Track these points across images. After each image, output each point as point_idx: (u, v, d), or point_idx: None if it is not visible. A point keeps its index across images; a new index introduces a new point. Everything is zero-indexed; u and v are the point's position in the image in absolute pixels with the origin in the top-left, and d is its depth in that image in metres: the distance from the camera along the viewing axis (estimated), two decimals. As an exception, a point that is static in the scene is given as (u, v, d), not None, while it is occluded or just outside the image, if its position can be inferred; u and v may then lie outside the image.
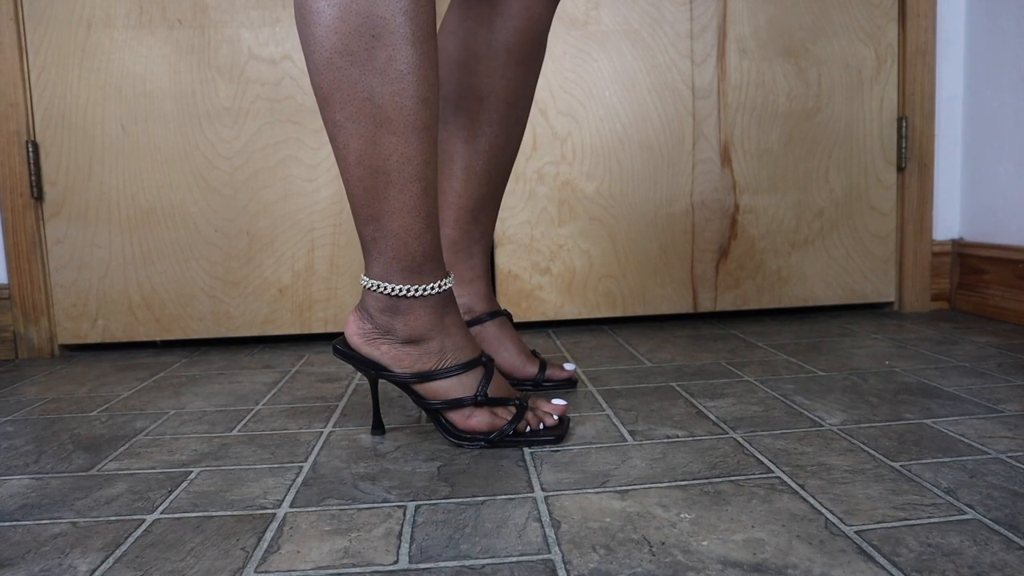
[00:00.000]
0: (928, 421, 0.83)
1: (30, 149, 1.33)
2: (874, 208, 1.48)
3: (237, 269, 1.38)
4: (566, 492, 0.68)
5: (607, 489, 0.68)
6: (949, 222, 1.52)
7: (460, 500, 0.67)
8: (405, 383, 0.79)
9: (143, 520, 0.65)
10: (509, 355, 1.00)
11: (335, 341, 0.81)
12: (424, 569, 0.55)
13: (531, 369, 1.00)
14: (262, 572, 0.56)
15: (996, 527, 0.58)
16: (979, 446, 0.75)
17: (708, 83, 1.42)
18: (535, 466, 0.74)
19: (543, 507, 0.65)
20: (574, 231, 1.42)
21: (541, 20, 0.90)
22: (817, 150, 1.46)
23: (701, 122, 1.43)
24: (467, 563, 0.56)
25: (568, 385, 1.01)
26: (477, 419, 0.78)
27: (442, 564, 0.56)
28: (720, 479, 0.69)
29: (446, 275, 0.78)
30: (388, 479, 0.72)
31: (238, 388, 1.10)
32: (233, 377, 1.17)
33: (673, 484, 0.69)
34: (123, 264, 1.37)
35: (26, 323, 1.37)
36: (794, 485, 0.67)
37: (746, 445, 0.78)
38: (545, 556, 0.56)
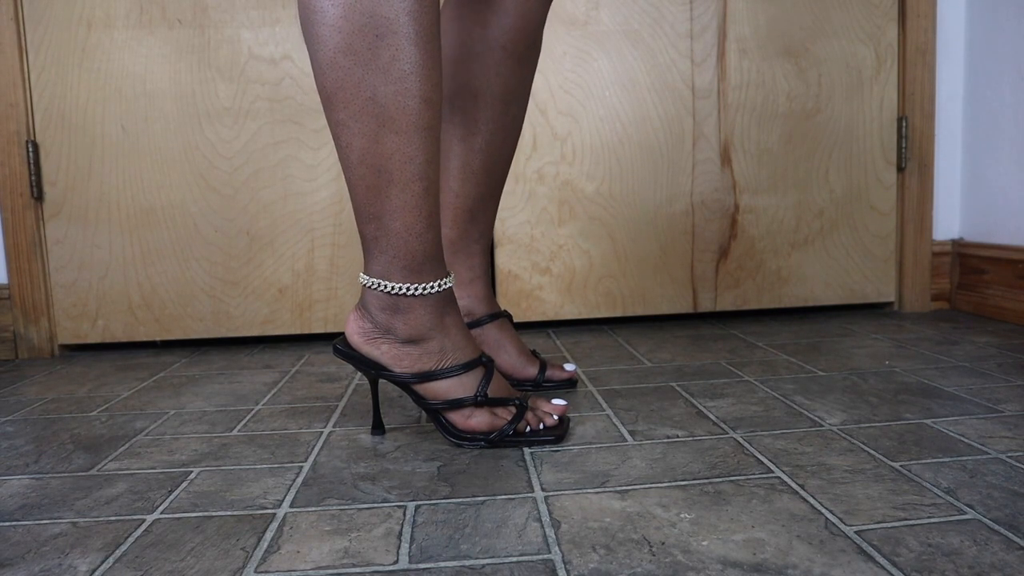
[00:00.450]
0: (928, 421, 0.83)
1: (30, 149, 1.33)
2: (874, 208, 1.48)
3: (237, 269, 1.38)
4: (566, 492, 0.68)
5: (607, 489, 0.68)
6: (949, 222, 1.52)
7: (460, 500, 0.67)
8: (405, 383, 0.79)
9: (143, 520, 0.65)
10: (509, 356, 1.00)
11: (335, 341, 0.81)
12: (424, 569, 0.55)
13: (531, 370, 1.00)
14: (262, 572, 0.56)
15: (996, 527, 0.58)
16: (979, 446, 0.75)
17: (708, 83, 1.42)
18: (535, 466, 0.74)
19: (543, 507, 0.65)
20: (574, 231, 1.42)
21: (536, 17, 0.90)
22: (817, 150, 1.46)
23: (701, 122, 1.43)
24: (467, 563, 0.56)
25: (568, 385, 1.01)
26: (477, 419, 0.78)
27: (442, 564, 0.56)
28: (720, 479, 0.69)
29: (447, 275, 0.78)
30: (388, 479, 0.72)
31: (238, 388, 1.10)
32: (233, 377, 1.17)
33: (673, 484, 0.69)
34: (123, 264, 1.37)
35: (26, 323, 1.37)
36: (794, 485, 0.67)
37: (746, 445, 0.78)
38: (545, 556, 0.56)
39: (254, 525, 0.64)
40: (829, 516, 0.61)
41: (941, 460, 0.72)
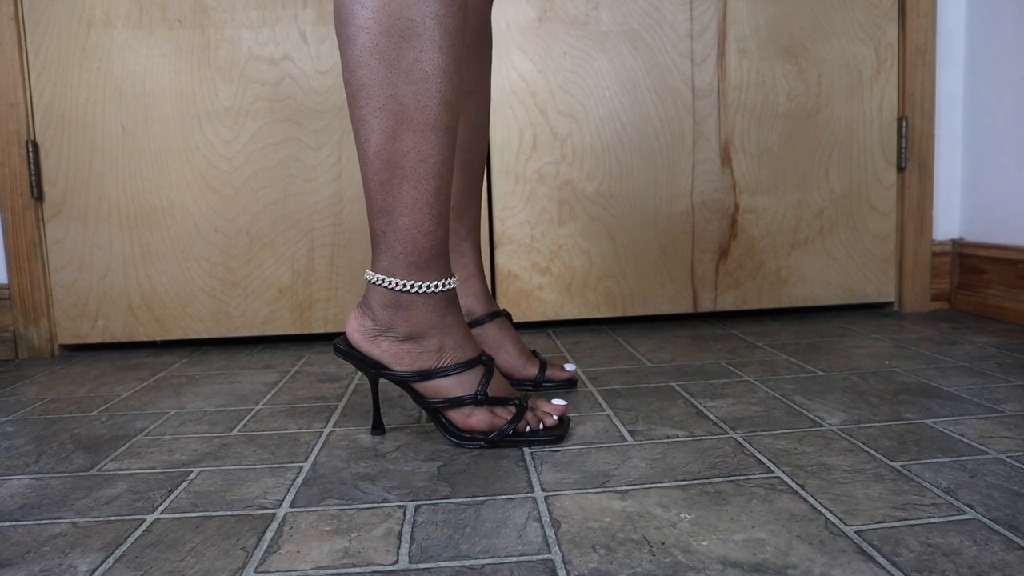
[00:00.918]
0: (928, 421, 0.83)
1: (30, 149, 1.33)
2: (874, 208, 1.48)
3: (237, 269, 1.38)
4: (566, 492, 0.68)
5: (607, 489, 0.68)
6: (949, 222, 1.52)
7: (460, 500, 0.67)
8: (405, 381, 0.79)
9: (143, 520, 0.65)
10: (509, 356, 1.00)
11: (336, 340, 0.81)
12: (424, 569, 0.55)
13: (531, 370, 1.00)
14: (262, 572, 0.56)
15: (996, 527, 0.58)
16: (979, 446, 0.75)
17: (708, 83, 1.42)
18: (535, 466, 0.74)
19: (543, 507, 0.65)
20: (574, 231, 1.42)
21: (481, 10, 0.95)
22: (817, 150, 1.46)
23: (701, 122, 1.43)
24: (467, 563, 0.56)
25: (568, 385, 1.01)
26: (477, 418, 0.78)
27: (442, 564, 0.56)
28: (720, 479, 0.69)
29: (451, 275, 0.79)
30: (388, 479, 0.72)
31: (238, 388, 1.10)
32: (233, 377, 1.17)
33: (673, 484, 0.69)
34: (123, 264, 1.37)
35: (26, 323, 1.37)
36: (794, 485, 0.67)
37: (746, 445, 0.78)
38: (545, 556, 0.56)
39: (254, 525, 0.64)
40: (829, 516, 0.61)
41: (941, 460, 0.72)
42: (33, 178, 1.34)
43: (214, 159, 1.36)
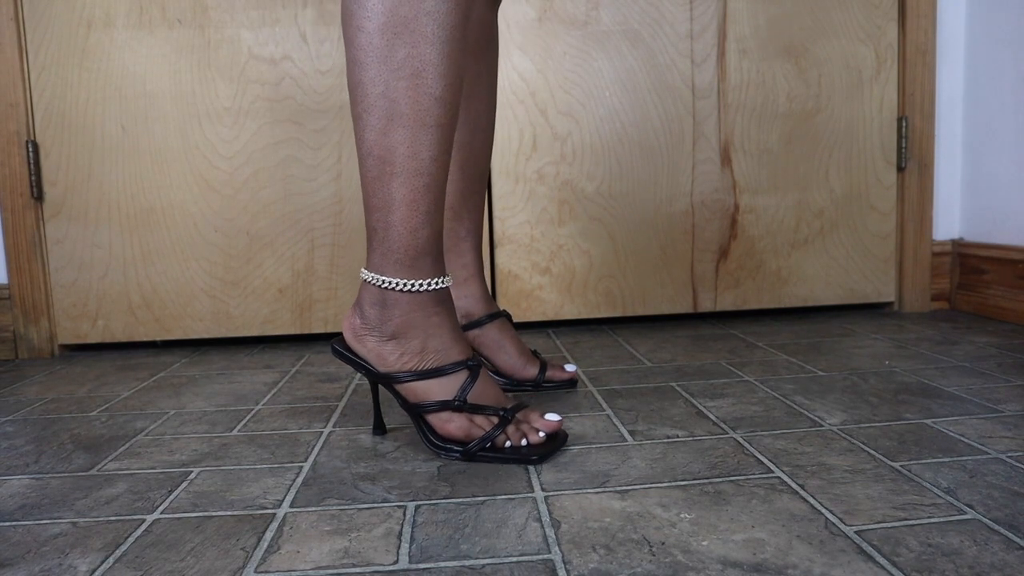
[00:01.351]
0: (928, 421, 0.83)
1: (30, 149, 1.33)
2: (874, 208, 1.48)
3: (237, 269, 1.38)
4: (566, 492, 0.68)
5: (607, 489, 0.68)
6: (949, 222, 1.52)
7: (460, 500, 0.67)
8: (387, 382, 0.78)
9: (143, 520, 0.65)
10: (509, 357, 1.00)
11: (334, 340, 0.81)
12: (424, 569, 0.55)
13: (531, 370, 1.00)
14: (262, 572, 0.56)
15: (996, 527, 0.58)
16: (979, 446, 0.75)
17: (708, 83, 1.42)
18: (535, 466, 0.74)
19: (543, 507, 0.65)
20: (574, 231, 1.42)
21: (483, 12, 0.95)
22: (817, 150, 1.46)
23: (701, 122, 1.43)
24: (467, 563, 0.56)
25: (568, 385, 1.01)
26: (455, 425, 0.75)
27: (442, 564, 0.56)
28: (720, 479, 0.69)
29: (441, 275, 0.77)
30: (388, 479, 0.72)
31: (238, 388, 1.10)
32: (233, 377, 1.17)
33: (673, 484, 0.69)
34: (123, 264, 1.37)
35: (26, 323, 1.37)
36: (794, 485, 0.67)
37: (746, 445, 0.78)
38: (545, 556, 0.56)
39: (254, 525, 0.64)
40: (829, 516, 0.61)
41: (941, 460, 0.72)
42: (33, 178, 1.34)
43: (214, 159, 1.36)
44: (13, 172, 1.33)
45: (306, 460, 0.79)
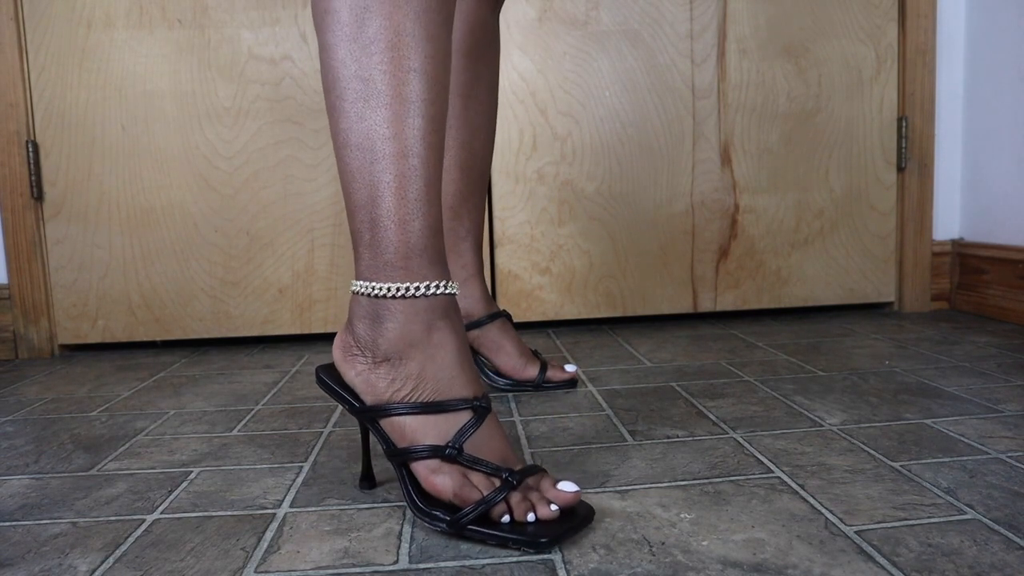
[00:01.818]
0: (928, 421, 0.83)
1: (30, 149, 1.33)
2: (874, 208, 1.48)
3: (237, 269, 1.38)
4: (566, 492, 0.67)
5: (607, 489, 0.68)
6: (949, 222, 1.52)
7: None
8: (372, 419, 0.63)
9: (143, 520, 0.65)
10: (509, 357, 1.00)
11: (319, 366, 0.69)
12: (424, 569, 0.55)
13: (532, 370, 1.00)
14: (262, 572, 0.56)
15: (996, 527, 0.58)
16: (979, 446, 0.75)
17: (708, 83, 1.42)
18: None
19: (543, 507, 0.65)
20: (574, 231, 1.42)
21: (483, 14, 0.94)
22: (817, 150, 1.46)
23: (701, 122, 1.43)
24: (467, 563, 0.56)
25: (568, 385, 1.01)
26: (442, 479, 0.59)
27: (442, 564, 0.56)
28: (720, 479, 0.69)
29: (444, 279, 0.64)
30: (388, 479, 0.72)
31: (238, 388, 1.10)
32: (233, 377, 1.17)
33: (673, 484, 0.69)
34: (123, 264, 1.37)
35: (26, 323, 1.37)
36: (794, 485, 0.67)
37: (746, 445, 0.78)
38: (545, 556, 0.56)
39: (254, 525, 0.64)
40: (829, 516, 0.61)
41: (941, 460, 0.72)
42: (33, 178, 1.34)
43: (214, 159, 1.36)
44: (13, 172, 1.33)
45: (306, 460, 0.79)
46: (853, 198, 1.47)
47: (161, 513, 0.67)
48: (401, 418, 0.62)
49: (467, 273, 1.00)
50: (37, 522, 0.66)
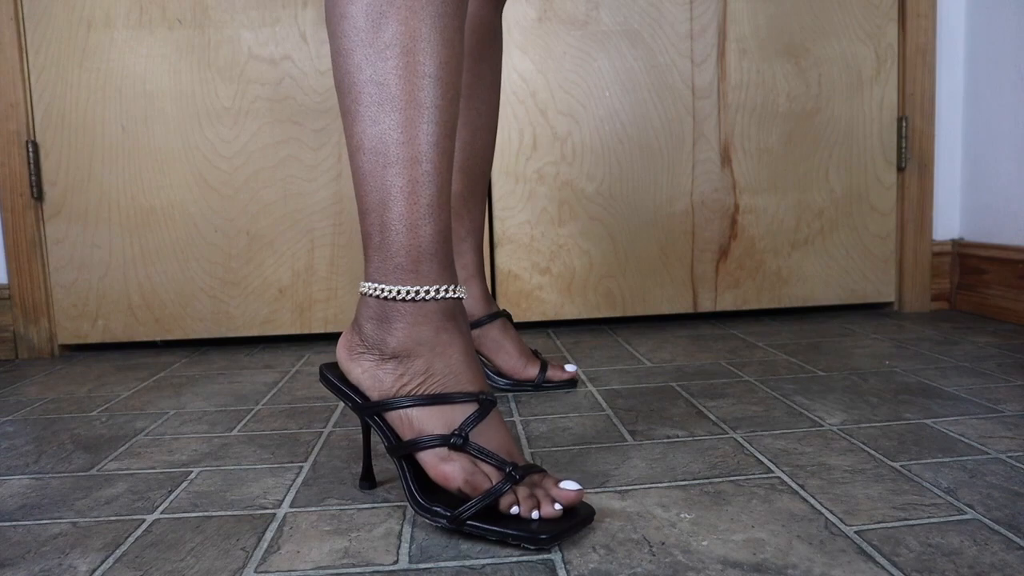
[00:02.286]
0: (928, 421, 0.83)
1: (30, 149, 1.33)
2: (874, 208, 1.48)
3: (237, 269, 1.38)
4: (566, 492, 0.67)
5: (607, 489, 0.68)
6: (949, 222, 1.52)
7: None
8: (378, 413, 0.64)
9: (143, 520, 0.65)
10: (509, 357, 1.00)
11: (323, 364, 0.70)
12: (424, 569, 0.55)
13: (532, 370, 1.00)
14: (262, 572, 0.56)
15: (996, 527, 0.58)
16: (979, 446, 0.75)
17: (708, 83, 1.42)
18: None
19: (543, 507, 0.65)
20: (574, 231, 1.42)
21: (485, 14, 0.94)
22: (817, 150, 1.46)
23: (701, 122, 1.43)
24: (467, 563, 0.56)
25: (569, 385, 1.01)
26: (452, 467, 0.60)
27: (442, 564, 0.56)
28: (720, 479, 0.69)
29: (452, 283, 0.66)
30: (388, 479, 0.72)
31: (238, 388, 1.10)
32: (233, 377, 1.17)
33: (673, 484, 0.69)
34: (123, 264, 1.37)
35: (26, 323, 1.37)
36: (794, 485, 0.67)
37: (746, 445, 0.78)
38: (545, 556, 0.56)
39: (254, 525, 0.64)
40: (829, 516, 0.61)
41: (941, 460, 0.72)
42: (33, 178, 1.34)
43: (214, 159, 1.36)
44: (13, 172, 1.33)
45: (306, 460, 0.79)
46: (853, 198, 1.47)
47: (161, 513, 0.67)
48: (407, 410, 0.62)
49: (467, 273, 1.00)
50: (37, 522, 0.66)
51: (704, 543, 0.57)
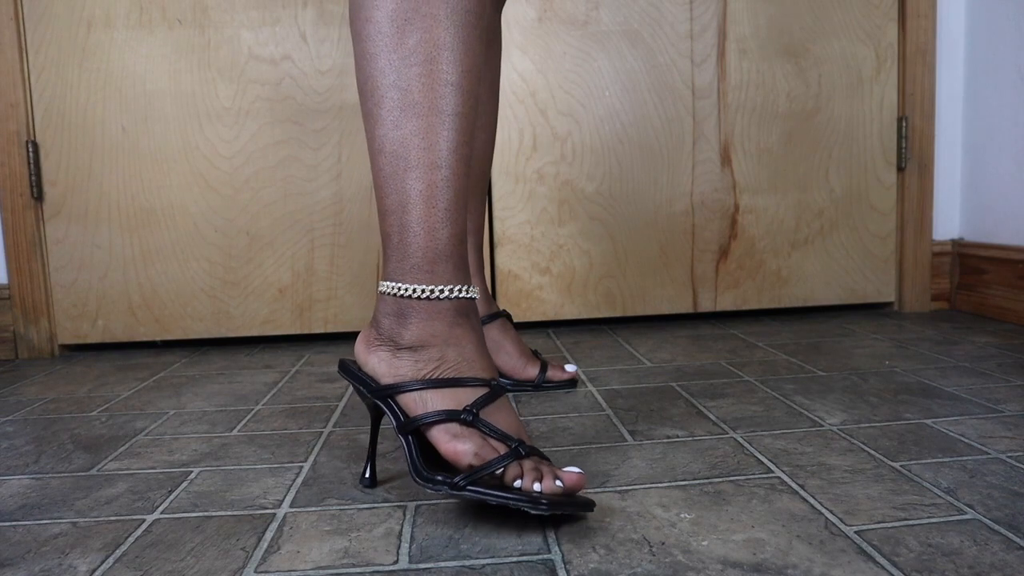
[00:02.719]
0: (928, 421, 0.83)
1: (30, 149, 1.33)
2: (874, 208, 1.48)
3: (237, 269, 1.38)
4: (566, 492, 0.67)
5: (607, 489, 0.68)
6: (949, 222, 1.52)
7: (460, 500, 0.67)
8: (391, 394, 0.66)
9: (143, 520, 0.65)
10: (510, 357, 1.00)
11: (342, 360, 0.73)
12: (424, 569, 0.55)
13: (532, 370, 1.00)
14: (262, 572, 0.56)
15: (996, 527, 0.58)
16: (979, 446, 0.75)
17: (708, 83, 1.42)
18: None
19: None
20: (574, 231, 1.42)
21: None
22: (817, 150, 1.46)
23: (701, 122, 1.43)
24: (467, 563, 0.56)
25: (568, 385, 1.01)
26: (463, 443, 0.62)
27: (442, 564, 0.56)
28: (720, 479, 0.69)
29: (465, 283, 0.68)
30: (388, 479, 0.72)
31: (238, 388, 1.10)
32: (233, 377, 1.17)
33: (673, 484, 0.69)
34: (123, 264, 1.37)
35: (26, 323, 1.37)
36: (794, 485, 0.67)
37: (746, 445, 0.78)
38: (545, 556, 0.56)
39: (254, 525, 0.64)
40: (829, 516, 0.61)
41: (941, 460, 0.72)
42: (33, 178, 1.34)
43: (214, 159, 1.36)
44: (13, 172, 1.33)
45: (306, 460, 0.79)
46: (853, 198, 1.47)
47: (161, 513, 0.67)
48: (420, 392, 0.65)
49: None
50: (37, 522, 0.66)
51: (704, 543, 0.57)
